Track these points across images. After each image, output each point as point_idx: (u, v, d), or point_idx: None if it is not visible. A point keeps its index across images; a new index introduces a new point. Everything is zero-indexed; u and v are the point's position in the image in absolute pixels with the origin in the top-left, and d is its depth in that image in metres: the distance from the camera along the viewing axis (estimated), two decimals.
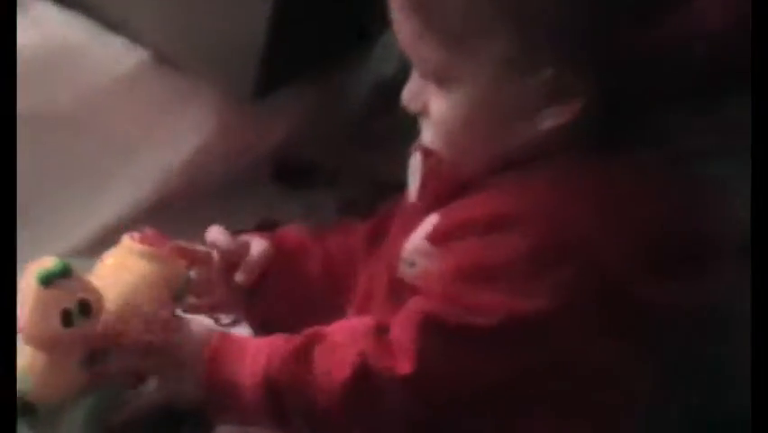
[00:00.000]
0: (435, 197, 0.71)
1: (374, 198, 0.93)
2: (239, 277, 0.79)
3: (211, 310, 0.81)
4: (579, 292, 0.63)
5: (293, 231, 0.85)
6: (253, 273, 0.79)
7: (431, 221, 0.69)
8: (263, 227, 0.85)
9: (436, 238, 0.68)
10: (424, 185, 0.73)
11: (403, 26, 0.67)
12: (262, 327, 0.81)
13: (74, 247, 0.86)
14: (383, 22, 0.86)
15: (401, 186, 0.77)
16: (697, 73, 0.68)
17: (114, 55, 0.86)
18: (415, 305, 0.66)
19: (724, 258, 0.70)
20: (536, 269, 0.64)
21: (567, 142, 0.67)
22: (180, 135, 0.91)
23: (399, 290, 0.70)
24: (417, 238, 0.69)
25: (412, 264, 0.69)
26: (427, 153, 0.71)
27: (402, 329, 0.64)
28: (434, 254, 0.68)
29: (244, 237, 0.81)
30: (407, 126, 0.73)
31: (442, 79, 0.66)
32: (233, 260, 0.79)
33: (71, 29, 0.83)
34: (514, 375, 0.65)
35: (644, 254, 0.65)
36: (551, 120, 0.65)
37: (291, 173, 1.00)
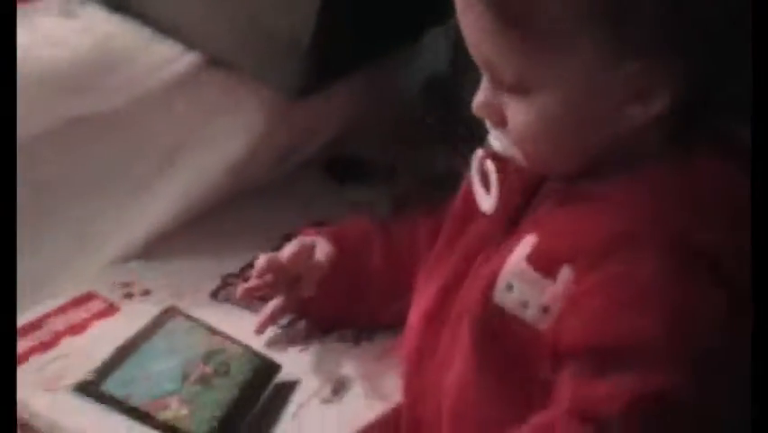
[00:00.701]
0: (516, 208, 0.66)
1: (428, 194, 0.91)
2: (305, 290, 0.78)
3: (273, 316, 0.80)
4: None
5: (356, 225, 0.83)
6: (320, 283, 0.78)
7: (529, 242, 0.63)
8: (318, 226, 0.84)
9: (540, 263, 0.61)
10: (502, 196, 0.66)
11: (476, 27, 0.60)
12: (320, 322, 0.80)
13: (132, 246, 0.87)
14: (437, 16, 0.83)
15: (455, 182, 0.74)
16: None
17: (165, 59, 0.84)
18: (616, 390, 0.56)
19: None
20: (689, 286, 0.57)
21: (656, 141, 0.62)
22: (231, 135, 0.89)
23: (495, 318, 0.64)
24: (516, 261, 0.63)
25: (510, 288, 0.63)
26: (501, 161, 0.66)
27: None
28: (538, 281, 0.61)
29: (309, 240, 0.79)
30: (463, 122, 0.69)
31: (522, 88, 0.61)
32: (296, 269, 0.77)
33: (122, 34, 0.82)
34: None
35: None
36: (639, 116, 0.60)
37: (343, 170, 0.98)
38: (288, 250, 0.78)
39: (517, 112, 0.61)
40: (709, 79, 0.60)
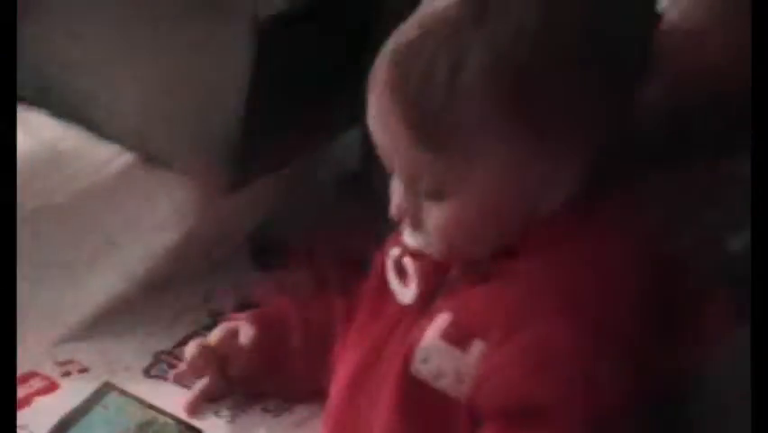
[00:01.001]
0: (431, 291, 0.70)
1: (345, 276, 0.99)
2: (232, 369, 0.84)
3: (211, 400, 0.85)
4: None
5: (277, 306, 0.88)
6: (245, 363, 0.84)
7: (444, 318, 0.67)
8: (242, 308, 0.92)
9: (454, 338, 0.65)
10: (420, 288, 0.70)
11: (392, 143, 0.64)
12: (246, 396, 0.86)
13: (71, 327, 0.93)
14: (352, 119, 0.92)
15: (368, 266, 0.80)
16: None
17: (106, 159, 0.92)
18: None
19: None
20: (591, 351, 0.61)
21: (563, 222, 0.65)
22: (166, 225, 0.97)
23: (414, 388, 0.68)
24: (431, 336, 0.67)
25: (425, 361, 0.67)
26: (418, 257, 0.69)
27: None
28: (452, 354, 0.66)
29: (233, 324, 0.86)
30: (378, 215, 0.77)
31: (437, 195, 0.63)
32: (223, 351, 0.84)
33: (67, 137, 0.91)
34: None
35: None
36: (554, 201, 0.64)
37: (267, 255, 1.07)
38: (215, 334, 0.85)
39: (433, 216, 0.64)
40: (618, 139, 0.64)
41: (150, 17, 0.89)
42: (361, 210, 1.02)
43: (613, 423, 0.60)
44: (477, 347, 0.63)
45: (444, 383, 0.65)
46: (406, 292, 0.71)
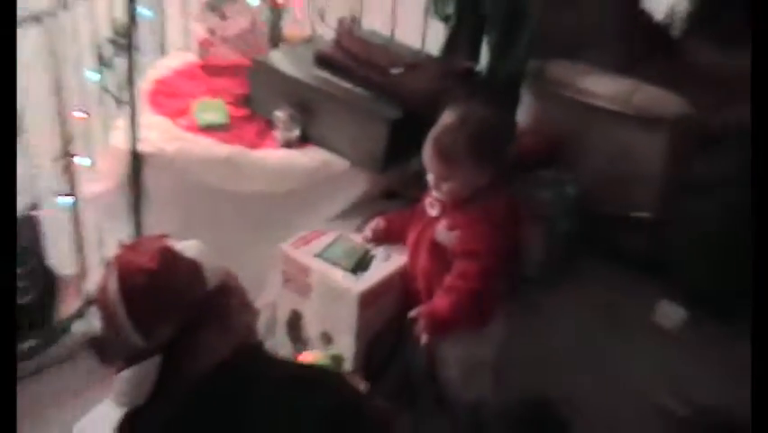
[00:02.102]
0: (441, 213, 1.96)
1: (411, 199, 2.24)
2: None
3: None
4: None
5: (389, 218, 2.13)
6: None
7: (444, 222, 1.89)
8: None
9: (448, 228, 1.88)
10: (440, 211, 1.94)
11: (432, 167, 1.91)
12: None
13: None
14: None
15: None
16: None
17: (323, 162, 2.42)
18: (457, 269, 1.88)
19: None
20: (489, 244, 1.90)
21: (483, 193, 1.91)
22: (355, 184, 2.43)
23: (436, 245, 1.89)
24: (441, 227, 1.89)
25: (439, 235, 1.88)
26: (438, 199, 1.92)
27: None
28: (448, 234, 1.89)
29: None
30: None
31: (447, 178, 1.89)
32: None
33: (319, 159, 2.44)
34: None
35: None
36: (480, 186, 1.87)
37: (392, 196, 2.52)
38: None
39: (445, 186, 1.88)
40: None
41: None
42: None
43: (501, 263, 1.97)
44: (455, 232, 1.91)
45: (446, 240, 1.91)
46: (433, 211, 1.96)
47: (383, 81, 2.37)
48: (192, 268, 1.45)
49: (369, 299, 1.93)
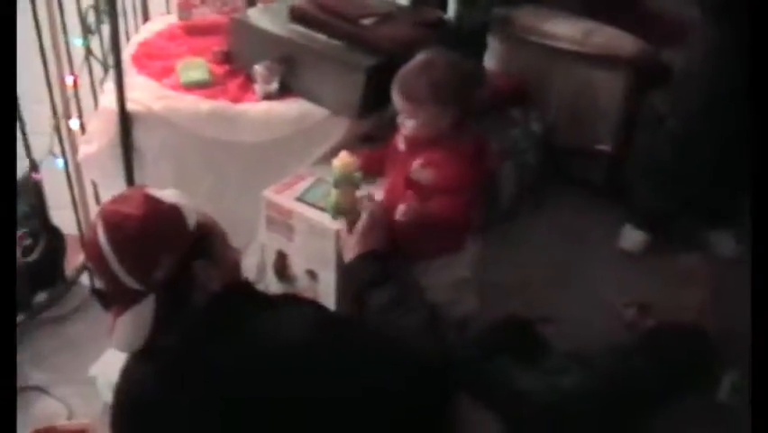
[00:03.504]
0: (414, 148, 1.94)
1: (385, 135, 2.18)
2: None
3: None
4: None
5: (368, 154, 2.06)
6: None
7: (419, 160, 1.84)
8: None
9: (423, 165, 1.83)
10: (409, 145, 1.97)
11: (403, 100, 1.90)
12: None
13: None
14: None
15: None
16: None
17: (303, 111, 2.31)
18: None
19: None
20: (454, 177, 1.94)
21: (447, 133, 1.87)
22: (334, 131, 2.38)
23: (413, 181, 1.84)
24: (416, 164, 1.84)
25: (415, 172, 1.83)
26: (409, 136, 1.91)
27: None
28: (422, 171, 1.84)
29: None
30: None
31: (415, 114, 1.87)
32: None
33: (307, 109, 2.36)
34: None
35: None
36: (452, 120, 1.88)
37: (369, 140, 2.48)
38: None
39: (412, 123, 1.87)
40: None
41: None
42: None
43: (474, 197, 1.99)
44: (429, 170, 1.86)
45: (421, 178, 1.86)
46: (401, 146, 1.94)
47: (356, 32, 2.31)
48: (173, 211, 1.43)
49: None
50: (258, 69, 2.31)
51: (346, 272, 1.85)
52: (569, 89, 3.12)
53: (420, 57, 1.91)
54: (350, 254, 1.81)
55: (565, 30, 3.06)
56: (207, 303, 1.46)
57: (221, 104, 2.30)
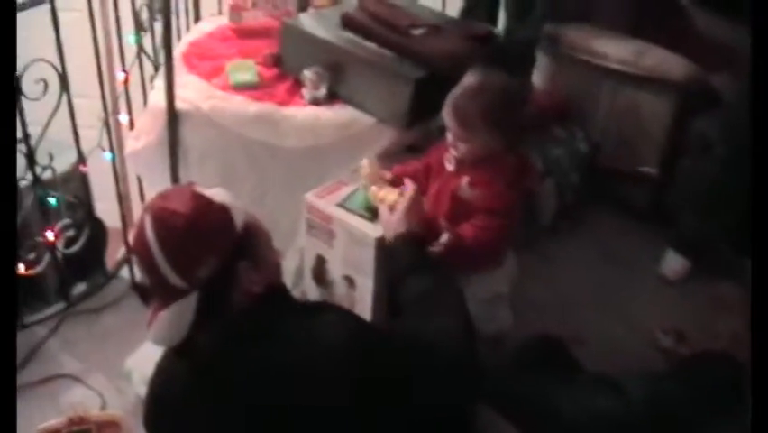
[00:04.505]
0: (462, 167, 1.91)
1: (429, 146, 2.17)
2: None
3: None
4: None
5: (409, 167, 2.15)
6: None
7: (466, 178, 1.85)
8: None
9: (471, 184, 1.85)
10: (458, 165, 1.93)
11: (452, 129, 1.87)
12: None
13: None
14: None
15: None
16: None
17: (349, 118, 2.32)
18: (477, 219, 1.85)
19: None
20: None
21: (495, 156, 1.89)
22: (380, 139, 2.38)
23: (458, 198, 1.86)
24: (464, 183, 1.85)
25: (461, 190, 1.85)
26: (458, 157, 1.89)
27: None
28: (467, 190, 1.85)
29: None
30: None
31: (466, 139, 1.85)
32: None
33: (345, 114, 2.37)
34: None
35: None
36: (502, 142, 1.85)
37: (414, 150, 2.48)
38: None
39: (462, 146, 1.86)
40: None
41: None
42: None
43: (517, 218, 1.97)
44: (476, 189, 1.86)
45: (467, 196, 1.87)
46: (450, 167, 1.93)
47: (406, 42, 2.30)
48: (222, 211, 1.42)
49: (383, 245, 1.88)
50: (307, 74, 2.33)
51: (387, 253, 1.84)
52: (616, 110, 3.09)
53: (471, 80, 1.89)
54: (390, 234, 1.80)
55: (615, 49, 3.02)
56: (247, 305, 1.45)
57: (268, 107, 2.31)
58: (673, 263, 2.91)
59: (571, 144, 3.05)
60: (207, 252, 1.40)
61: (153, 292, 1.48)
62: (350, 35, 2.37)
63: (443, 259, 1.82)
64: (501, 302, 2.09)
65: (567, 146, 3.03)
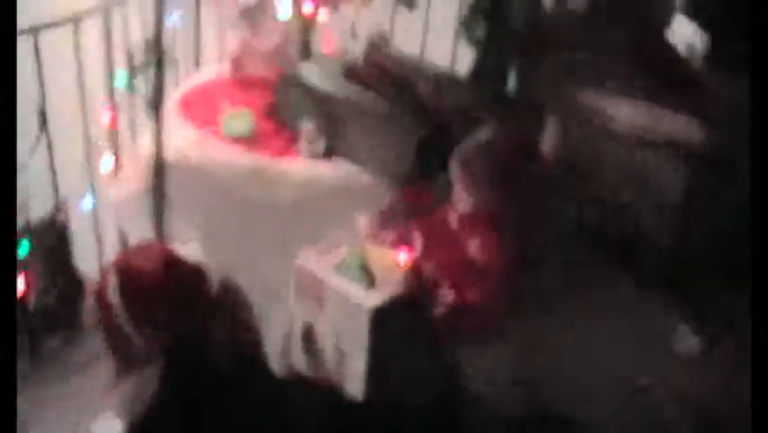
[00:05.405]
0: (468, 226, 1.97)
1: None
2: None
3: None
4: None
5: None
6: None
7: (475, 238, 1.91)
8: None
9: (481, 247, 1.92)
10: (462, 223, 1.97)
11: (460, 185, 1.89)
12: None
13: None
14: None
15: None
16: None
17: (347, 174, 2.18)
18: None
19: None
20: None
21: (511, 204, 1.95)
22: (378, 197, 2.23)
23: (468, 261, 1.92)
24: (474, 244, 1.91)
25: (474, 252, 1.94)
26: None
27: None
28: (479, 251, 1.90)
29: None
30: None
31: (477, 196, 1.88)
32: None
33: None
34: None
35: None
36: (508, 199, 1.94)
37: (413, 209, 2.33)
38: None
39: (468, 203, 1.92)
40: None
41: None
42: None
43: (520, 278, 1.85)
44: (485, 251, 1.87)
45: (479, 258, 1.88)
46: (455, 225, 1.95)
47: (411, 97, 2.16)
48: (193, 271, 1.32)
49: (382, 315, 1.74)
50: (305, 126, 2.18)
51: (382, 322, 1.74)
52: (627, 175, 2.94)
53: (482, 136, 1.85)
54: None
55: (627, 113, 2.89)
56: (218, 372, 1.32)
57: (261, 159, 2.17)
58: (687, 339, 2.74)
59: (578, 207, 2.90)
60: (176, 313, 1.28)
61: (116, 355, 1.32)
62: (353, 87, 2.23)
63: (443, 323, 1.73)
64: (500, 370, 1.98)
65: (574, 211, 2.88)
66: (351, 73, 2.25)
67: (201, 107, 2.38)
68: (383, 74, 2.26)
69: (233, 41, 2.55)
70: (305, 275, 1.87)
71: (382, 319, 1.80)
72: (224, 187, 2.11)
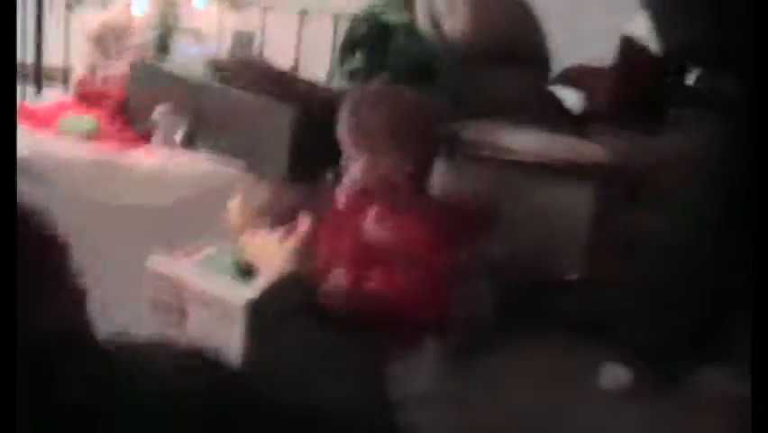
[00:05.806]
0: (360, 205, 1.57)
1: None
2: None
3: None
4: None
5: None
6: None
7: (372, 212, 1.49)
8: None
9: (377, 221, 1.47)
10: (353, 201, 1.59)
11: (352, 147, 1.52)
12: None
13: None
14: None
15: None
16: None
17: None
18: None
19: None
20: None
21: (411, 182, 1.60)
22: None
23: (365, 247, 1.46)
24: (368, 222, 1.44)
25: (370, 231, 1.49)
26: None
27: None
28: (378, 228, 1.47)
29: None
30: None
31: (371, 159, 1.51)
32: None
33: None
34: None
35: None
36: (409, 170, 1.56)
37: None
38: None
39: (367, 172, 1.54)
40: None
41: None
42: None
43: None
44: (387, 228, 1.49)
45: (380, 238, 1.49)
46: (343, 205, 1.57)
47: (284, 84, 1.89)
48: None
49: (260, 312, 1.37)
50: (159, 114, 1.84)
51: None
52: (531, 210, 2.71)
53: (375, 86, 1.58)
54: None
55: (522, 141, 2.72)
56: None
57: (103, 153, 1.80)
58: (614, 375, 2.43)
59: (487, 255, 2.62)
60: None
61: None
62: (219, 75, 1.94)
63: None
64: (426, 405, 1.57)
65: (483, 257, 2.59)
66: (215, 64, 1.95)
67: (35, 117, 2.01)
68: (249, 67, 1.98)
69: (80, 64, 2.23)
70: (160, 283, 1.47)
71: (260, 312, 1.40)
72: (59, 184, 1.71)
